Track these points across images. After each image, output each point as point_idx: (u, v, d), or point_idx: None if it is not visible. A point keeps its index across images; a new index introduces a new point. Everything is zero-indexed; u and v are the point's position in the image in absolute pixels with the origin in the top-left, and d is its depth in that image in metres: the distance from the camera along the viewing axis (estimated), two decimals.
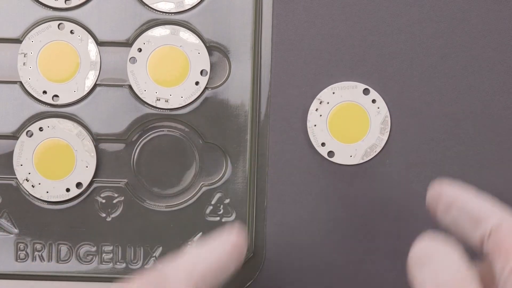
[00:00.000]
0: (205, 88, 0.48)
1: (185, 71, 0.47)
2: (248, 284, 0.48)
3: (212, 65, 0.48)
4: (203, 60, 0.47)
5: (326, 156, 0.47)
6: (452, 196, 0.38)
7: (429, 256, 0.35)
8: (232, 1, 0.47)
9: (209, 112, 0.48)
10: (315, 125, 0.47)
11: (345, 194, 0.48)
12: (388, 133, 0.47)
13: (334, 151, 0.47)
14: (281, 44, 0.48)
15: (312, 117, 0.47)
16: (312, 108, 0.47)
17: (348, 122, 0.47)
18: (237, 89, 0.47)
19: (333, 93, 0.47)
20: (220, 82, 0.48)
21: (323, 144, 0.47)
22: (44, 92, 0.47)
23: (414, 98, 0.48)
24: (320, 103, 0.47)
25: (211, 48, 0.48)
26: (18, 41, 0.47)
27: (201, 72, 0.47)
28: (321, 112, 0.47)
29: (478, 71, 0.47)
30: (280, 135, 0.48)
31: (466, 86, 0.48)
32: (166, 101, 0.47)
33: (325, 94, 0.47)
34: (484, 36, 0.47)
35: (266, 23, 0.48)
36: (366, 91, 0.47)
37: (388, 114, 0.47)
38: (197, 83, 0.47)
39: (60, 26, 0.48)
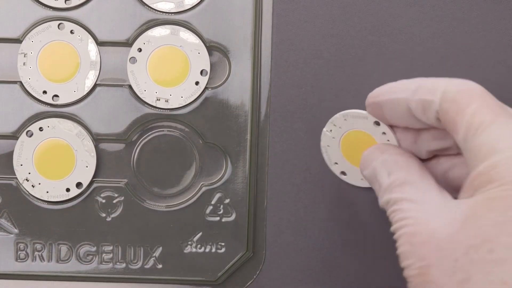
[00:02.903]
0: (205, 88, 0.48)
1: (185, 71, 0.47)
2: (248, 284, 0.48)
3: (212, 65, 0.48)
4: (203, 60, 0.47)
5: (338, 175, 0.46)
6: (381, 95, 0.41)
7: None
8: (232, 1, 0.47)
9: (209, 112, 0.48)
10: (328, 146, 0.46)
11: (345, 194, 0.48)
12: None
13: (346, 171, 0.46)
14: (281, 44, 0.48)
15: (325, 138, 0.46)
16: (326, 129, 0.46)
17: (360, 148, 0.46)
18: (237, 89, 0.47)
19: (345, 119, 0.45)
20: (220, 82, 0.48)
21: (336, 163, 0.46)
22: (44, 92, 0.47)
23: None
24: (334, 126, 0.45)
25: (211, 48, 0.48)
26: (18, 41, 0.47)
27: (201, 72, 0.47)
28: (334, 135, 0.46)
29: (478, 71, 0.47)
30: (280, 135, 0.48)
31: None
32: (166, 101, 0.47)
33: (337, 119, 0.45)
34: (484, 36, 0.47)
35: (266, 23, 0.48)
36: (376, 123, 0.45)
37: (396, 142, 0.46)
38: (197, 83, 0.47)
39: (60, 26, 0.48)
